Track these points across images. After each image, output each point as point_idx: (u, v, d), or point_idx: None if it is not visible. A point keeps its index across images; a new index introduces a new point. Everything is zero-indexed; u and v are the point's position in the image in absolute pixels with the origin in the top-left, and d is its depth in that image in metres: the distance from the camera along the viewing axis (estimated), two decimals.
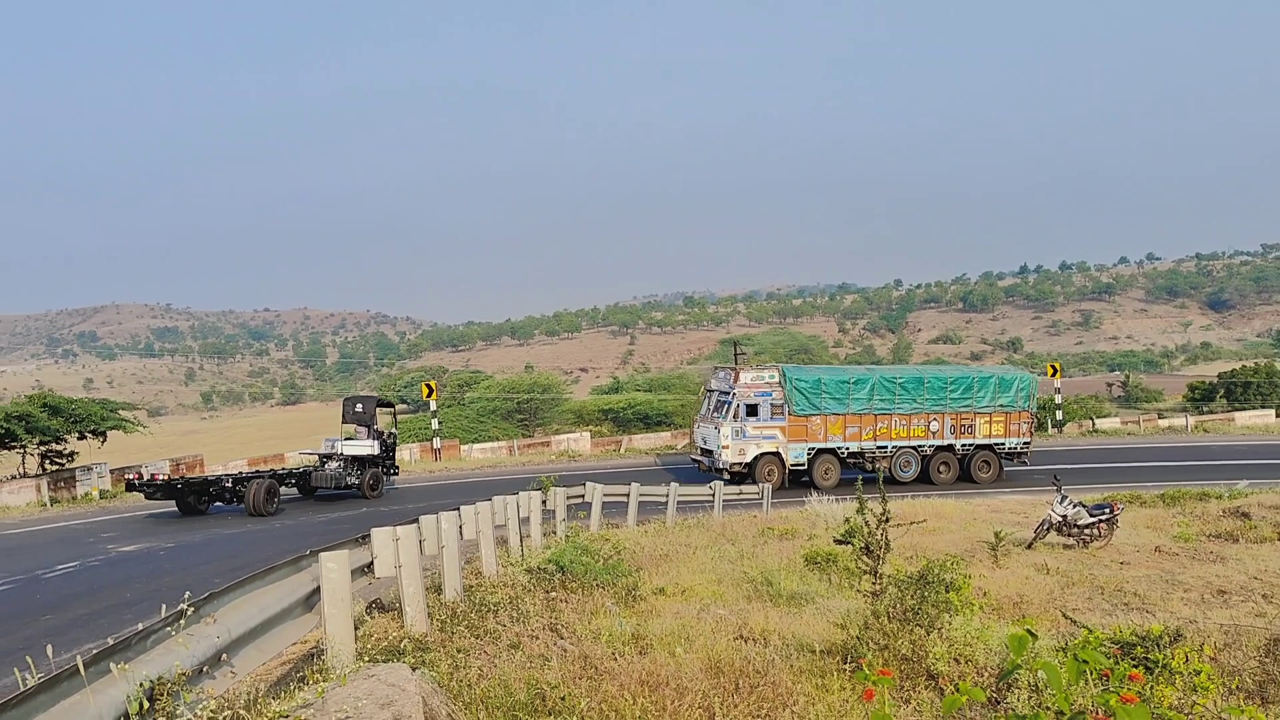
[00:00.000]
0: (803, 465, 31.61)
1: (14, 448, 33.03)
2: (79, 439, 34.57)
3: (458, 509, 12.11)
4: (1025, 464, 33.86)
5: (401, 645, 7.73)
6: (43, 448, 33.75)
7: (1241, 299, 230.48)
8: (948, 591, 9.08)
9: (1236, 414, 57.43)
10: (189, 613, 4.90)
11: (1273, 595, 11.97)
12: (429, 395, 47.92)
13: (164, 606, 5.55)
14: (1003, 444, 33.57)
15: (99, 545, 20.16)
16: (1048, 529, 17.01)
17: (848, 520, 10.34)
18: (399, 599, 8.87)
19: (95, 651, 4.14)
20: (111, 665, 4.05)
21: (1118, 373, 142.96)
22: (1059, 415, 51.64)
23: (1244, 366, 75.25)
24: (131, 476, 28.62)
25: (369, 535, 9.02)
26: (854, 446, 32.27)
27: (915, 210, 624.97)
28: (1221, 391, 70.78)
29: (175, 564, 17.26)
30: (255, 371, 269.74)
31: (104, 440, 35.04)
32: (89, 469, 32.95)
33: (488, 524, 13.16)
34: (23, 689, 3.70)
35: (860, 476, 16.44)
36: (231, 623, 5.38)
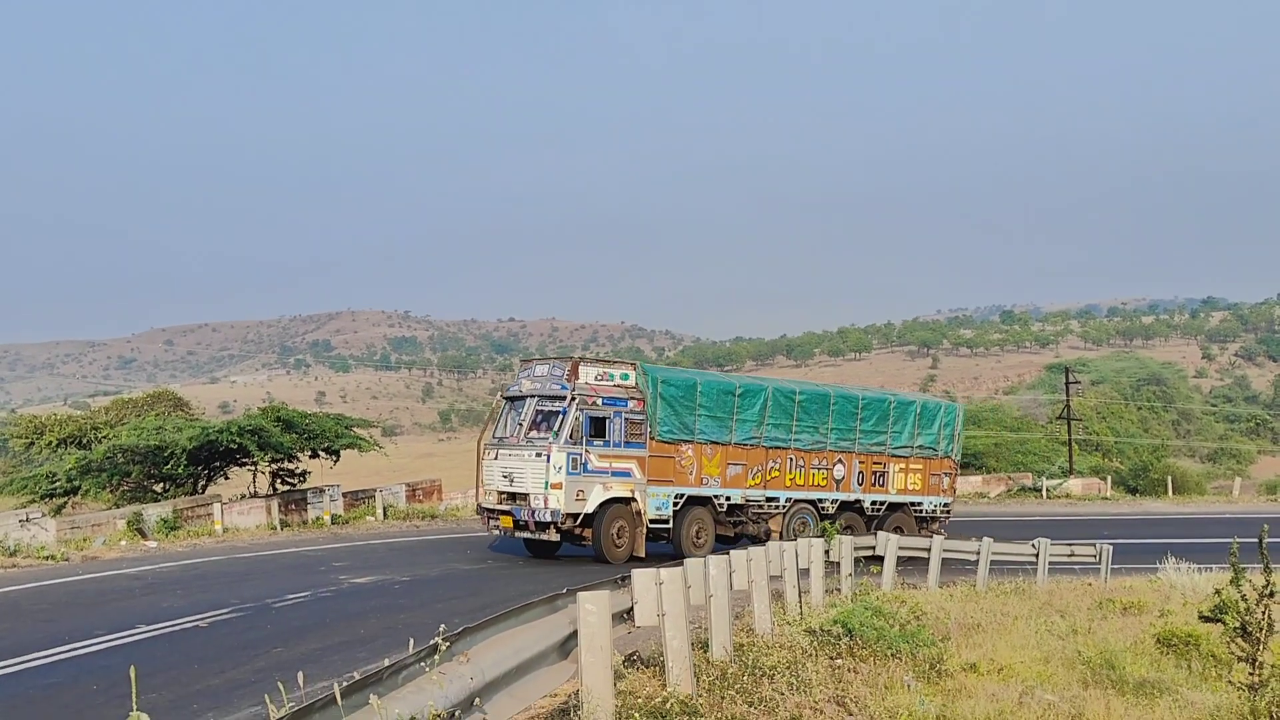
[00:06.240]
0: (665, 521, 23.44)
1: (245, 464, 35.92)
2: (311, 457, 37.02)
3: (727, 553, 12.31)
4: (942, 532, 27.03)
5: (666, 707, 7.96)
6: (274, 465, 36.31)
7: None
8: None
9: None
10: (442, 648, 5.24)
11: None
12: None
13: (409, 642, 5.96)
14: (920, 504, 28.24)
15: (331, 575, 21.69)
16: None
17: (1217, 592, 9.79)
18: (661, 653, 9.12)
19: (347, 684, 4.51)
20: (371, 697, 4.40)
21: None
22: None
23: None
24: None
25: (629, 577, 9.34)
26: (736, 495, 24.72)
27: None
28: None
29: (411, 599, 18.35)
30: (496, 388, 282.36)
31: (337, 460, 37.41)
32: (321, 491, 35.26)
33: (761, 573, 13.31)
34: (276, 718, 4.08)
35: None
36: (485, 663, 5.71)
